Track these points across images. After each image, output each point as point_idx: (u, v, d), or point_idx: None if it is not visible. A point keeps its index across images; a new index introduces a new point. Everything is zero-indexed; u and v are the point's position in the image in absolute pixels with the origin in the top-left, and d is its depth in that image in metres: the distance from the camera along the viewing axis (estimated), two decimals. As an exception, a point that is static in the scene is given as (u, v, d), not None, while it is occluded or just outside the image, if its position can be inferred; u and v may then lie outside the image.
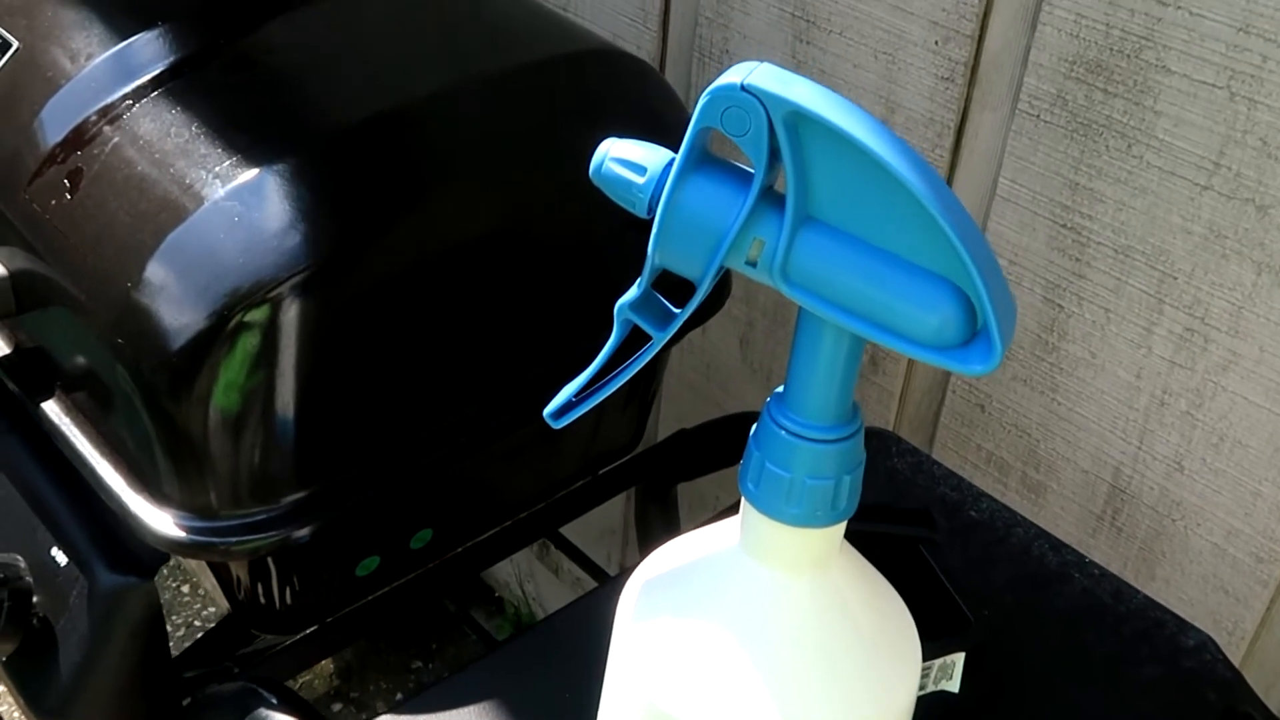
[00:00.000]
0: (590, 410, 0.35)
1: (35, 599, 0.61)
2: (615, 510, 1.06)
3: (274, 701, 0.55)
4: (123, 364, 0.53)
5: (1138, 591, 0.55)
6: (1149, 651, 0.52)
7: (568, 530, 0.93)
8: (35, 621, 0.61)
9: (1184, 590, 0.66)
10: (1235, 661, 0.65)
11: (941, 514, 0.57)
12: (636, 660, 0.36)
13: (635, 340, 0.35)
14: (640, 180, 0.32)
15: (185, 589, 1.26)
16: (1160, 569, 0.67)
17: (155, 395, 0.53)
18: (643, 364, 0.34)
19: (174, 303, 0.52)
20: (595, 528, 1.08)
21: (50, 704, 0.60)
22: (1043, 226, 0.66)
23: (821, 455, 0.33)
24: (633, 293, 0.33)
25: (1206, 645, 0.52)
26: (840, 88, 0.72)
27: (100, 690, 0.61)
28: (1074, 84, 0.61)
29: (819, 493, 0.33)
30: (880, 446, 0.60)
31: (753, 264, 0.31)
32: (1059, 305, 0.67)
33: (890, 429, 0.74)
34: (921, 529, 0.52)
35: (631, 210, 0.33)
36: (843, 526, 0.35)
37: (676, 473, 0.73)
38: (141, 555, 0.60)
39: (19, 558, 0.62)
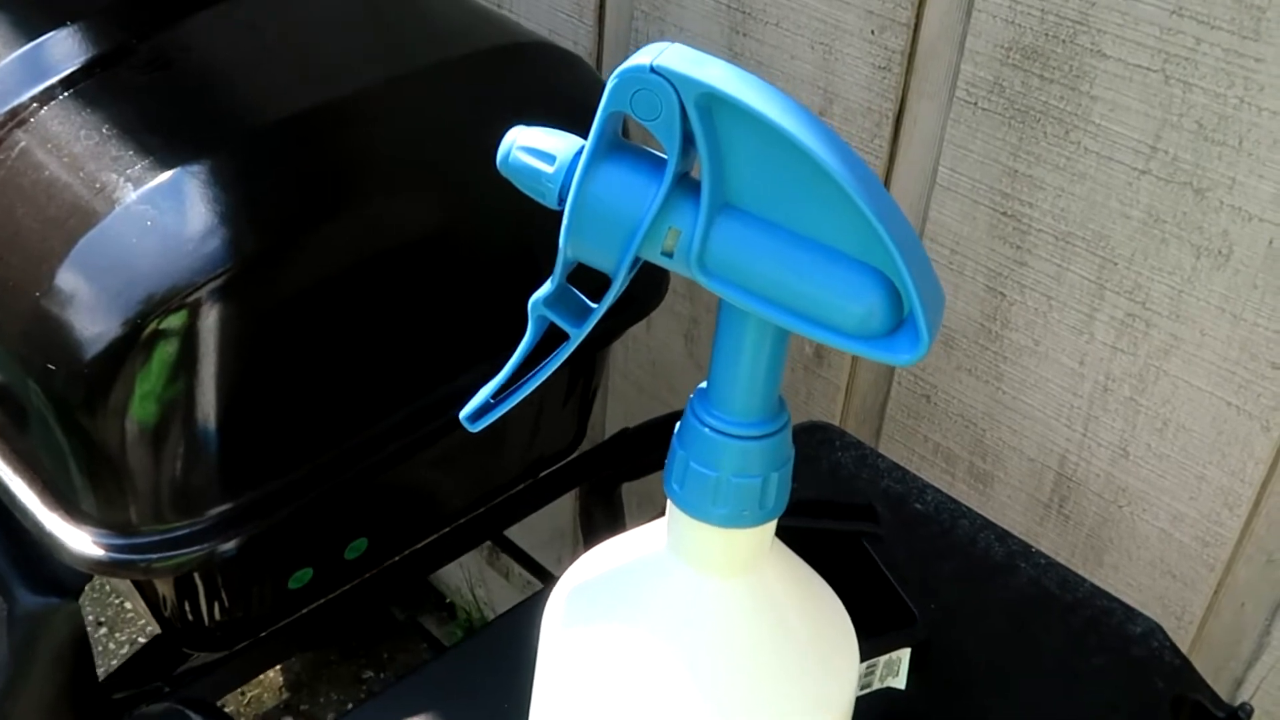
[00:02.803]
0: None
1: (-47, 624, 0.59)
2: (565, 512, 1.04)
3: (201, 722, 0.54)
4: (33, 378, 0.51)
5: (1084, 580, 0.54)
6: (1097, 641, 0.51)
7: (516, 534, 0.92)
8: (-46, 647, 0.59)
9: (1132, 576, 0.66)
10: (1184, 645, 0.65)
11: (886, 507, 0.56)
12: (563, 669, 0.35)
13: (556, 338, 0.34)
14: (549, 169, 0.31)
15: (128, 605, 1.23)
16: (1108, 555, 0.67)
17: (69, 409, 0.51)
18: (559, 362, 0.33)
19: (85, 311, 0.49)
20: (545, 530, 1.07)
21: (-28, 732, 0.58)
22: (983, 215, 0.65)
23: (748, 452, 0.32)
24: (546, 288, 0.32)
25: (1154, 632, 0.52)
26: (778, 79, 0.71)
27: (24, 716, 0.59)
28: (1010, 70, 0.61)
29: (746, 491, 0.32)
30: (823, 440, 0.59)
31: (669, 255, 0.30)
32: (1001, 293, 0.66)
33: (837, 423, 0.73)
34: (864, 523, 0.51)
35: (541, 201, 0.31)
36: (772, 526, 0.33)
37: (620, 473, 0.72)
38: (63, 576, 0.58)
39: (-65, 581, 0.59)
